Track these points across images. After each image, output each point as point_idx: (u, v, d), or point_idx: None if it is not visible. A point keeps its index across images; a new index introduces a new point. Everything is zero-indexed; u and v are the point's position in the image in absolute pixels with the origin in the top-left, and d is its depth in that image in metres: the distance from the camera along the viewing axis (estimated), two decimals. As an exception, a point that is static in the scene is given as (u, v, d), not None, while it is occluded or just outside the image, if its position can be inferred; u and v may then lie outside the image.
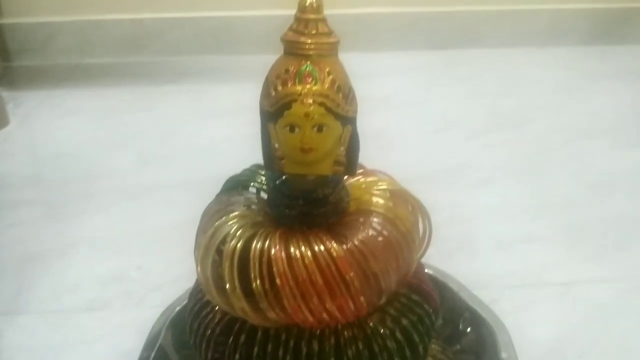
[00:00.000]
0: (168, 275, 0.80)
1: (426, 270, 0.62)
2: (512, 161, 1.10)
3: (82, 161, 1.12)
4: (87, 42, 1.57)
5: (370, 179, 0.53)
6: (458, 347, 0.62)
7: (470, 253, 0.86)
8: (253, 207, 0.51)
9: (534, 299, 0.77)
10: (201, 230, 0.50)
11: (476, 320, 0.63)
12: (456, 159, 1.11)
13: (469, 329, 0.63)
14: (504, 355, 0.58)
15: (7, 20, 1.53)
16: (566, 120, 1.26)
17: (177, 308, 0.64)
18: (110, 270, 0.83)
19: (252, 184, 0.54)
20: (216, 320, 0.50)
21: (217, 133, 1.21)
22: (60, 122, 1.27)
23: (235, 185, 0.54)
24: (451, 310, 0.65)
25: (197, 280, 0.55)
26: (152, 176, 1.07)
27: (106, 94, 1.40)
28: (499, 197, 0.99)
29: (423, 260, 0.55)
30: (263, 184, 0.53)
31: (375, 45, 1.57)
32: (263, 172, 0.54)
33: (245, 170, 0.56)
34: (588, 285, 0.79)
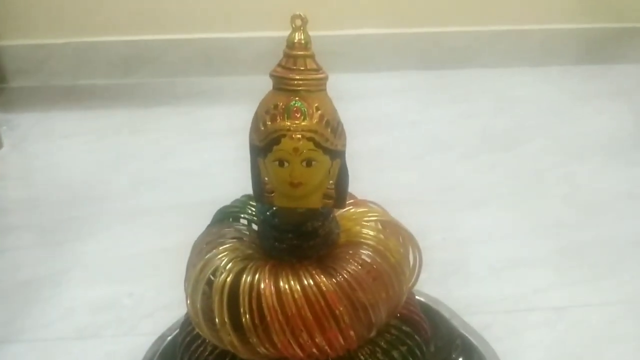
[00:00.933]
0: (160, 302, 0.80)
1: (418, 298, 0.62)
2: (504, 183, 1.10)
3: (76, 184, 1.11)
4: (82, 64, 1.57)
5: (360, 209, 0.54)
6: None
7: (463, 277, 0.86)
8: (244, 239, 0.51)
9: (527, 324, 0.77)
10: (191, 264, 0.51)
11: (468, 348, 0.63)
12: (449, 181, 1.11)
13: (460, 358, 0.63)
14: (496, 384, 0.58)
15: (2, 43, 1.53)
16: (559, 141, 1.26)
17: (169, 338, 0.64)
18: (102, 297, 0.83)
19: (242, 215, 0.54)
20: (206, 353, 0.50)
21: (211, 155, 1.21)
22: (54, 144, 1.27)
23: (226, 216, 0.55)
24: (443, 338, 0.65)
25: (187, 312, 0.55)
26: (145, 200, 1.07)
27: (100, 116, 1.40)
28: (492, 220, 0.99)
29: (415, 286, 0.55)
30: (254, 215, 0.54)
31: (368, 66, 1.58)
32: (254, 203, 0.55)
33: (235, 201, 0.56)
34: (581, 309, 0.79)
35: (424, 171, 1.15)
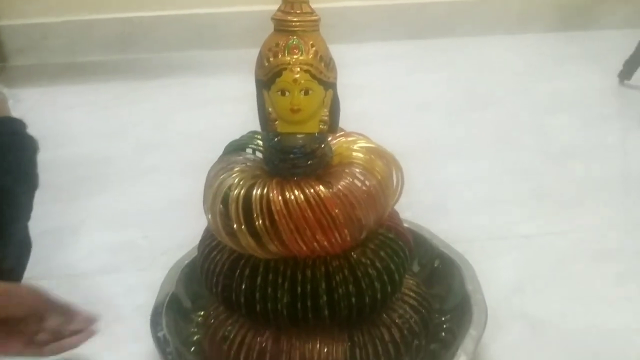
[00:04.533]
0: (173, 242, 0.88)
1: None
2: (481, 136, 1.20)
3: (84, 149, 1.20)
4: (79, 42, 1.64)
5: (350, 138, 0.63)
6: (430, 283, 0.72)
7: (443, 214, 0.95)
8: (251, 164, 0.60)
9: (500, 250, 0.87)
10: (208, 185, 0.59)
11: (445, 260, 0.73)
12: (430, 136, 1.20)
13: (440, 265, 0.73)
14: (469, 287, 0.68)
15: (2, 22, 1.59)
16: (533, 100, 1.35)
17: (187, 261, 0.73)
18: (119, 240, 0.92)
19: (249, 146, 0.63)
20: (223, 259, 0.59)
21: (206, 121, 1.29)
22: (59, 115, 1.35)
23: (235, 148, 0.63)
24: (425, 255, 0.74)
25: (205, 231, 0.64)
26: (149, 160, 1.15)
27: (100, 89, 1.48)
28: (469, 167, 1.09)
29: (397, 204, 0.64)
30: (259, 146, 0.63)
31: (355, 37, 1.65)
32: (259, 136, 0.63)
33: (243, 136, 0.65)
34: (546, 237, 0.90)
35: (408, 128, 1.24)
